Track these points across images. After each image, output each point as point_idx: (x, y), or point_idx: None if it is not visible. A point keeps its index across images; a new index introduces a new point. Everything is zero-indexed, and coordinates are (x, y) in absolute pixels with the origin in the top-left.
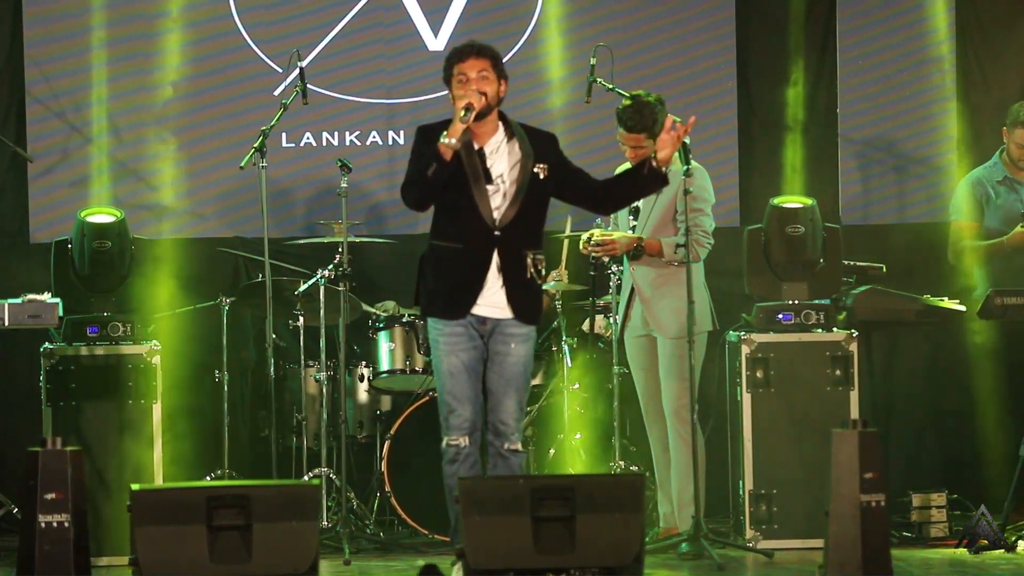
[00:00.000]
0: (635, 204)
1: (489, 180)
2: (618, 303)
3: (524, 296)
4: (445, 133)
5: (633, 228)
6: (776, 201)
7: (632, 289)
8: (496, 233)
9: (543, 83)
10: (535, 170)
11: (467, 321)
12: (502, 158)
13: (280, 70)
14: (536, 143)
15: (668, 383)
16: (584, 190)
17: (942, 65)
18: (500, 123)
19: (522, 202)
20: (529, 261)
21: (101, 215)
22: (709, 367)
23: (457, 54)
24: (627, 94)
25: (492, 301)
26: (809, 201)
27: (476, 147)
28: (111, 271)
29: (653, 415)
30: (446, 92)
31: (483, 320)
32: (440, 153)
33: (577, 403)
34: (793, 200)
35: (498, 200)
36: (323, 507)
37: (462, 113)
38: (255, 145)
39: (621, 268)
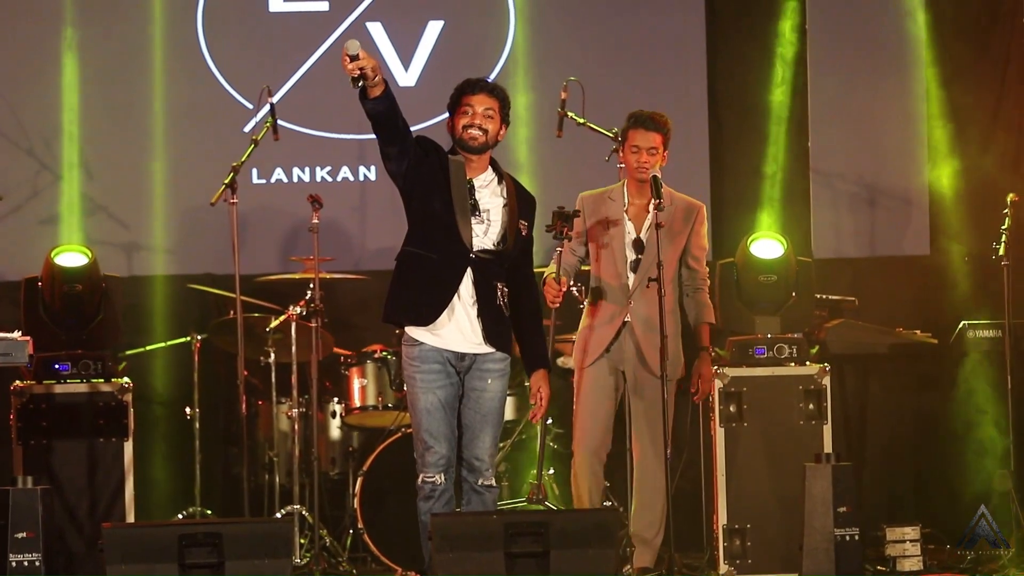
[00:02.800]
0: (641, 239)
1: (475, 211)
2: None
3: (496, 323)
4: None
5: (638, 261)
6: (750, 243)
7: (624, 324)
8: (471, 255)
9: (514, 117)
10: (519, 224)
11: (444, 357)
12: (491, 196)
13: (250, 106)
14: (521, 198)
15: (656, 423)
16: (512, 274)
17: (914, 98)
18: (490, 166)
19: (502, 243)
20: (499, 291)
21: (71, 255)
22: (682, 401)
23: (470, 86)
24: (599, 128)
25: (467, 335)
26: (783, 243)
27: (467, 177)
28: (81, 311)
29: (601, 446)
30: (418, 127)
31: (461, 356)
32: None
33: (550, 438)
34: (767, 238)
35: (479, 232)
36: (296, 544)
37: (355, 75)
38: (225, 181)
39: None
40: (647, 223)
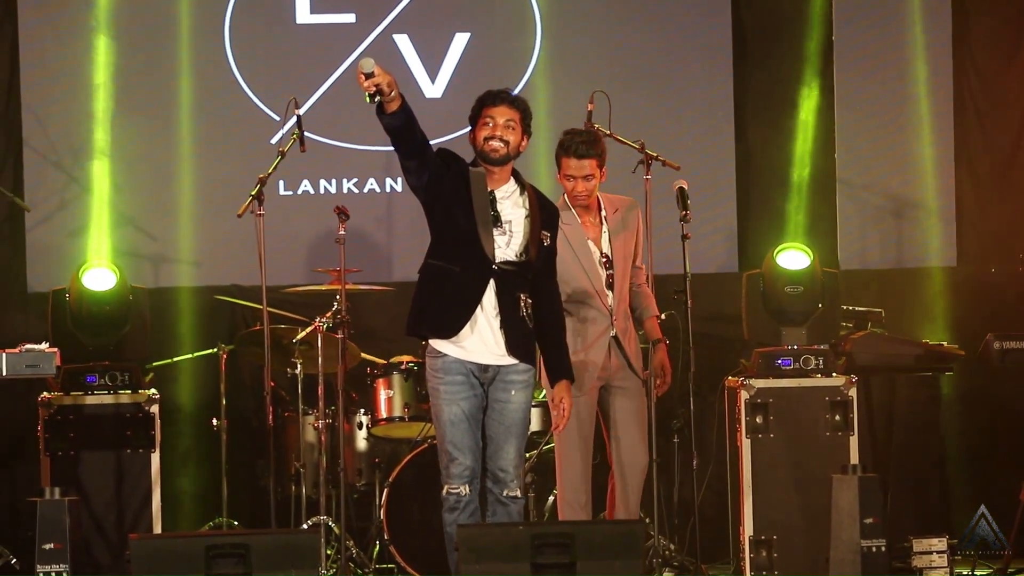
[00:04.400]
0: (607, 255)
1: (497, 223)
2: None
3: (519, 334)
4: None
5: (610, 277)
6: (776, 254)
7: (612, 339)
8: (494, 267)
9: (540, 129)
10: (542, 235)
11: (467, 369)
12: (514, 207)
13: (277, 118)
14: (544, 209)
15: (645, 421)
16: (536, 285)
17: (939, 109)
18: (512, 176)
19: (524, 254)
20: (522, 302)
21: (99, 271)
22: (709, 412)
23: (491, 98)
24: (626, 141)
25: (491, 346)
26: (809, 254)
27: (488, 189)
28: (109, 325)
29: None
30: (444, 139)
31: (484, 368)
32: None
33: None
34: (793, 249)
35: (502, 243)
36: (323, 555)
37: (371, 92)
38: (252, 193)
39: None
40: (604, 238)
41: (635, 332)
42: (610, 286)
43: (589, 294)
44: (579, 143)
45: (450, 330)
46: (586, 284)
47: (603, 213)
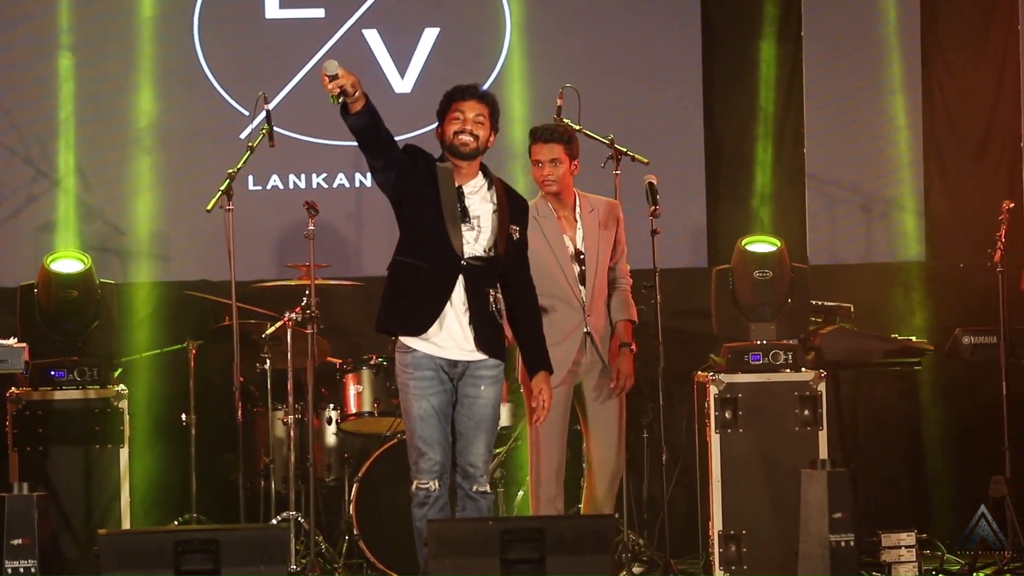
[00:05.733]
0: (580, 250)
1: (465, 218)
2: None
3: (489, 330)
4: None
5: (583, 273)
6: (744, 243)
7: (586, 335)
8: (463, 262)
9: (509, 124)
10: (510, 229)
11: (437, 364)
12: (482, 202)
13: (247, 113)
14: (512, 203)
15: (619, 426)
16: (506, 279)
17: (908, 104)
18: (480, 171)
19: (493, 249)
20: (491, 298)
21: (67, 261)
22: (679, 408)
23: (460, 92)
24: (594, 135)
25: (460, 342)
26: (776, 243)
27: (456, 184)
28: (77, 317)
29: (562, 468)
30: (413, 134)
31: (454, 363)
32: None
33: None
34: (761, 241)
35: (470, 239)
36: (292, 551)
37: (335, 93)
38: (221, 188)
39: None
40: (579, 233)
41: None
42: (583, 281)
43: (562, 287)
44: (544, 128)
45: (420, 327)
46: (560, 277)
47: (578, 211)
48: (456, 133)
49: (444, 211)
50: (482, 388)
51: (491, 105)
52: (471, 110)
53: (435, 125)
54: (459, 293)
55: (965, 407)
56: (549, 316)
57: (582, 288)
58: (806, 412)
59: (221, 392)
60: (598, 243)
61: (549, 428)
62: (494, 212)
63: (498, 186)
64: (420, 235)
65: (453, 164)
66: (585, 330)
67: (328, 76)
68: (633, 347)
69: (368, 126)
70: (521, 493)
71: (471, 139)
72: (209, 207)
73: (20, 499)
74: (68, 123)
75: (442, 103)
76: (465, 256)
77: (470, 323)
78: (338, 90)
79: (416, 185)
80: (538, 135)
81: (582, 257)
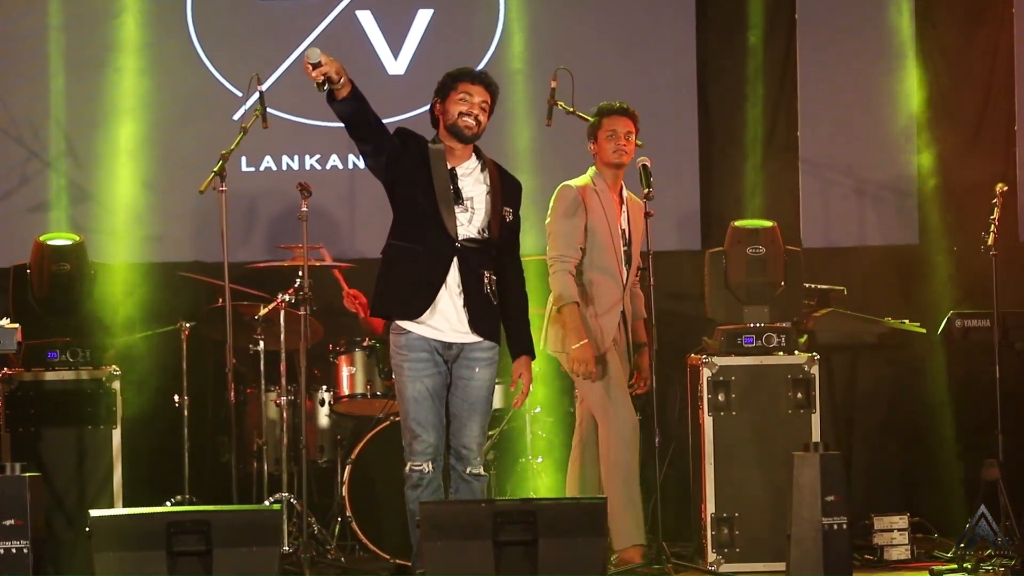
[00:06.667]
0: (625, 231)
1: (459, 200)
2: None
3: (484, 312)
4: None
5: (626, 253)
6: (737, 223)
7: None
8: (457, 244)
9: (503, 106)
10: (503, 211)
11: (431, 346)
12: (475, 184)
13: (240, 94)
14: (505, 184)
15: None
16: (500, 260)
17: (902, 87)
18: (473, 153)
19: (487, 231)
20: (486, 280)
21: (59, 238)
22: (671, 390)
23: (469, 75)
24: (587, 117)
25: (454, 324)
26: (769, 224)
27: (449, 166)
28: (70, 293)
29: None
30: (407, 115)
31: (448, 345)
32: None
33: (538, 427)
34: (754, 224)
35: (464, 220)
36: (284, 532)
37: (319, 81)
38: (214, 169)
39: None
40: (624, 216)
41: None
42: (626, 261)
43: (611, 260)
44: (619, 106)
45: (416, 311)
46: (611, 251)
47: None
48: (462, 114)
49: (437, 194)
50: (476, 370)
51: (495, 95)
52: (479, 95)
53: (429, 107)
54: (454, 275)
55: (958, 390)
56: (596, 288)
57: (625, 268)
58: (799, 395)
59: (214, 373)
60: (637, 230)
61: (619, 389)
62: (487, 194)
63: (491, 167)
64: (414, 218)
65: (446, 146)
66: (622, 309)
67: (311, 64)
68: (652, 346)
69: (355, 112)
70: (514, 475)
71: (475, 124)
72: (202, 188)
73: (12, 480)
74: (60, 104)
75: (446, 82)
76: (459, 238)
77: (465, 305)
78: (322, 78)
79: (408, 168)
80: (613, 109)
81: (627, 238)
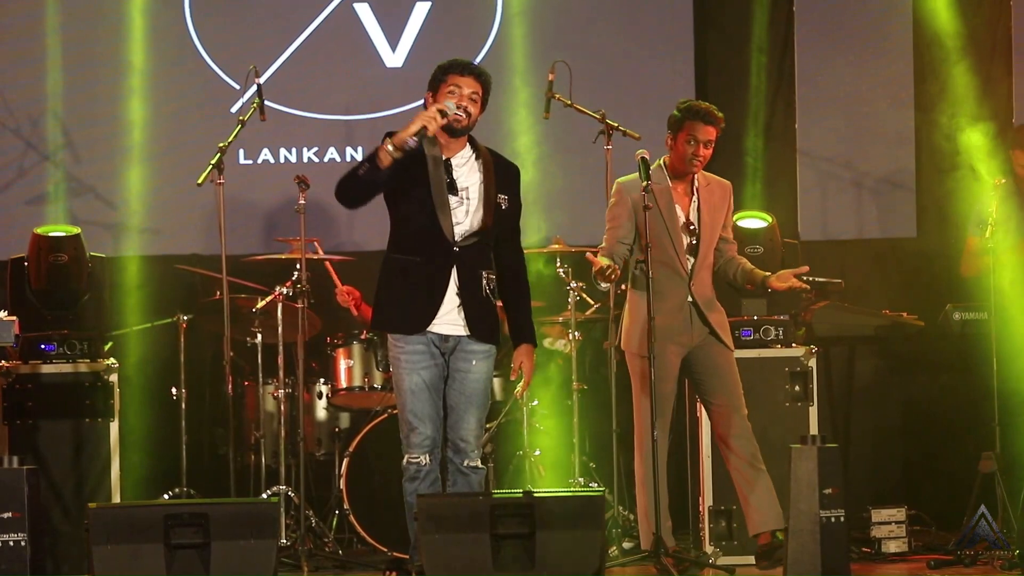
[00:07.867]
0: (693, 222)
1: (454, 191)
2: (578, 320)
3: (482, 315)
4: (390, 139)
5: (693, 244)
6: (736, 219)
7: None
8: (455, 249)
9: (501, 99)
10: (498, 199)
11: (428, 339)
12: (470, 173)
13: (237, 87)
14: (501, 171)
15: (739, 391)
16: (500, 248)
17: (900, 82)
18: (468, 143)
19: (483, 221)
20: (484, 281)
21: (57, 231)
22: None
23: (458, 67)
24: (585, 110)
25: (452, 320)
26: (768, 219)
27: (444, 158)
28: (67, 286)
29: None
30: (404, 108)
31: (445, 338)
32: (379, 157)
33: (536, 420)
34: (752, 217)
35: (460, 215)
36: (281, 525)
37: (425, 126)
38: (212, 162)
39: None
40: (692, 207)
41: (721, 307)
42: (692, 252)
43: (668, 255)
44: (707, 111)
45: (416, 326)
46: (668, 246)
47: (696, 184)
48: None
49: (433, 193)
50: (473, 363)
51: (486, 85)
52: (468, 87)
53: (422, 102)
54: (452, 279)
55: (955, 383)
56: (658, 284)
57: (690, 259)
58: (797, 388)
59: (212, 366)
60: (712, 218)
61: (662, 399)
62: (482, 182)
63: (485, 155)
64: (411, 227)
65: (439, 140)
66: (690, 299)
67: (444, 111)
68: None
69: (380, 184)
70: (512, 468)
71: (464, 116)
72: (200, 181)
73: (10, 472)
74: (57, 96)
75: (437, 74)
76: (457, 237)
77: (463, 306)
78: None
79: (403, 177)
80: (701, 114)
81: (693, 228)
